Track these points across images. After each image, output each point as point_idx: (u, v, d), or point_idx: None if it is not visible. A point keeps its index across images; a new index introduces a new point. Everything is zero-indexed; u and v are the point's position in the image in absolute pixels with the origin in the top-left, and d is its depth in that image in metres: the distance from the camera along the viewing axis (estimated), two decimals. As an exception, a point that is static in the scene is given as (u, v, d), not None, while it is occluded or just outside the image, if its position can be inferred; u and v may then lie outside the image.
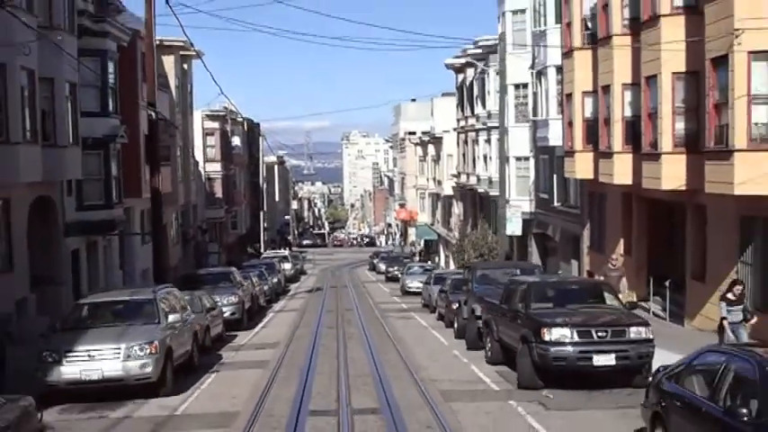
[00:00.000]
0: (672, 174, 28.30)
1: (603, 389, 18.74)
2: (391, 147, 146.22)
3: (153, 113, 33.52)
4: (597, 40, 35.45)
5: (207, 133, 74.68)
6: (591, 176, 36.95)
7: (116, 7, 42.45)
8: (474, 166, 63.49)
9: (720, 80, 24.73)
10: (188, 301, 25.67)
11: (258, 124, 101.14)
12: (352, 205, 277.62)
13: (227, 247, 77.30)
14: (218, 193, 75.73)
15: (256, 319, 38.51)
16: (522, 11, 49.21)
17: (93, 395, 19.23)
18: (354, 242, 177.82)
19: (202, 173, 71.52)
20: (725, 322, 20.55)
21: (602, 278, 29.84)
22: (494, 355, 23.34)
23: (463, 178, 68.49)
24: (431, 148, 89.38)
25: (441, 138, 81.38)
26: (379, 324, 36.10)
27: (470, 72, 63.37)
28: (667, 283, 30.64)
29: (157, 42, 35.16)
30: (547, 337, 19.19)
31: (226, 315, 32.52)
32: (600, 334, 19.23)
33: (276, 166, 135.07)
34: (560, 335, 19.20)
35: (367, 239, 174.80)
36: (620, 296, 26.74)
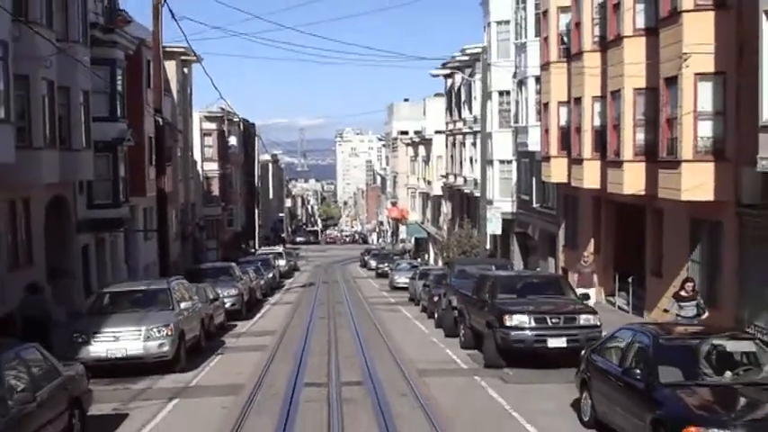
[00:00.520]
0: (632, 180, 31.48)
1: (556, 368, 21.89)
2: (384, 145, 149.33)
3: (160, 120, 36.90)
4: (571, 54, 38.79)
5: (205, 134, 77.95)
6: (565, 180, 40.14)
7: (124, 18, 45.62)
8: (461, 168, 66.87)
9: (672, 97, 27.90)
10: (195, 292, 28.94)
11: (254, 124, 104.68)
12: (345, 203, 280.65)
13: (223, 243, 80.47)
14: (216, 191, 79.03)
15: (254, 310, 41.79)
16: (507, 22, 52.31)
17: (115, 371, 22.44)
18: (347, 239, 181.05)
19: (200, 172, 74.74)
20: (677, 318, 23.38)
21: (575, 274, 33.15)
22: (466, 341, 26.66)
23: (451, 179, 71.90)
24: (421, 149, 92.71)
25: (430, 139, 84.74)
26: (367, 315, 39.43)
27: (458, 78, 66.73)
28: (630, 279, 33.96)
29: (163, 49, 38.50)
30: (508, 323, 22.55)
31: (227, 306, 35.71)
32: (554, 320, 22.59)
33: (270, 165, 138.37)
34: (519, 321, 22.56)
35: (359, 237, 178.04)
36: (591, 290, 30.19)
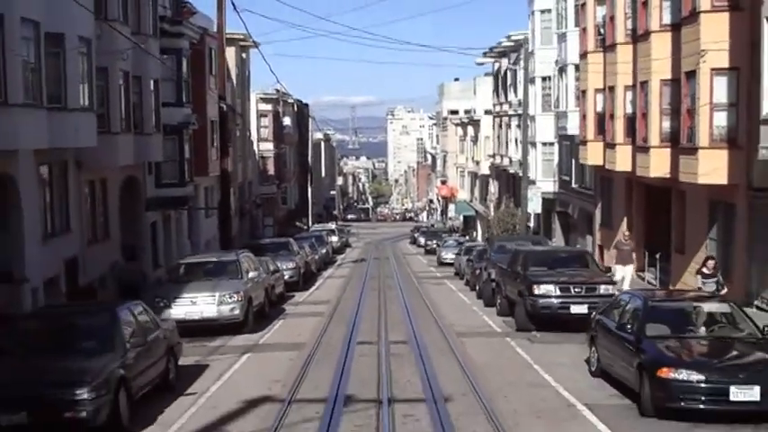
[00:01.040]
0: (658, 164, 34.53)
1: (577, 332, 24.95)
2: (434, 124, 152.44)
3: (224, 106, 40.57)
4: (606, 45, 41.79)
5: (261, 115, 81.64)
6: (600, 163, 43.14)
7: (189, 10, 49.24)
8: (507, 149, 70.05)
9: (691, 90, 30.94)
10: (258, 264, 32.50)
11: (307, 105, 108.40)
12: (396, 180, 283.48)
13: (277, 220, 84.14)
14: (271, 170, 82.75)
15: (309, 283, 45.37)
16: (549, 11, 55.39)
17: (193, 332, 25.93)
18: (397, 217, 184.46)
19: (256, 152, 78.44)
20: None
21: (614, 251, 36.21)
22: (502, 309, 30.01)
23: (498, 159, 75.11)
24: (470, 129, 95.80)
25: (479, 120, 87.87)
26: (414, 288, 42.88)
27: (504, 62, 69.80)
28: (657, 256, 37.05)
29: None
30: (536, 292, 25.90)
31: (286, 278, 39.23)
32: (576, 290, 25.88)
33: (322, 143, 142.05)
34: (546, 290, 25.89)
35: (409, 214, 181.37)
36: (629, 267, 33.35)
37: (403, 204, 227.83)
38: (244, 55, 67.79)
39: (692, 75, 30.65)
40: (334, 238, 76.18)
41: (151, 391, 17.21)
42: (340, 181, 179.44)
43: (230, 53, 61.87)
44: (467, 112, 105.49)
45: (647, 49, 35.23)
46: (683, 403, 15.05)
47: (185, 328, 25.25)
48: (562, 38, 50.99)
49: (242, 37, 60.64)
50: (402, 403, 16.85)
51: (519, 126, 64.82)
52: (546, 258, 29.43)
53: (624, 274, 33.00)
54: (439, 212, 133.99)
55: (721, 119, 29.80)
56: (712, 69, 29.52)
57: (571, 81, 49.59)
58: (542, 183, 56.41)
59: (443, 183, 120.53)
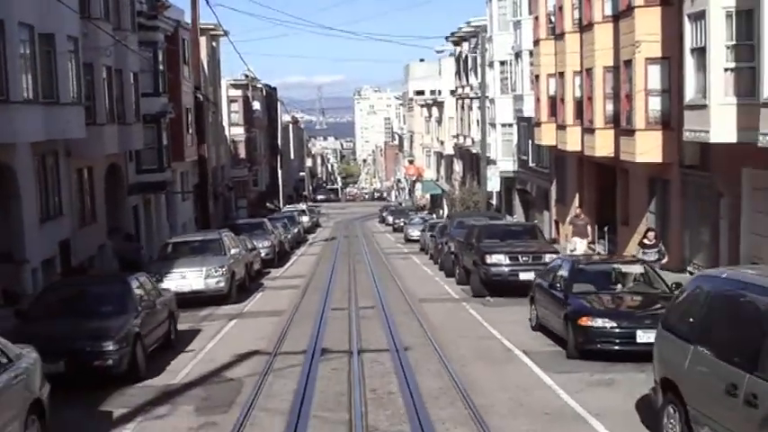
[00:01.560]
0: (603, 144, 38.00)
1: (525, 296, 28.26)
2: (401, 104, 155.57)
3: (200, 96, 43.76)
4: (556, 34, 45.21)
5: (231, 100, 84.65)
6: (554, 143, 46.64)
7: (163, 4, 52.20)
8: (469, 130, 73.51)
9: (629, 77, 34.42)
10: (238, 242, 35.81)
11: (275, 89, 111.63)
12: (365, 161, 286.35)
13: (249, 202, 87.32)
14: (242, 154, 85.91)
15: (284, 260, 48.65)
16: (506, -1, 58.87)
17: (183, 303, 29.17)
18: (366, 197, 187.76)
19: (227, 136, 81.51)
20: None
21: (570, 226, 39.70)
22: (460, 278, 33.50)
23: (461, 140, 78.63)
24: (435, 111, 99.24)
25: (442, 102, 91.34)
26: (382, 262, 46.37)
27: (465, 46, 73.21)
28: (606, 229, 40.64)
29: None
30: (488, 261, 29.41)
31: (262, 255, 42.49)
32: (524, 259, 29.40)
33: (291, 126, 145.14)
34: (497, 259, 29.41)
35: (378, 194, 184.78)
36: (584, 240, 36.87)
37: (372, 184, 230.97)
38: (214, 44, 70.85)
39: (629, 63, 34.05)
40: (305, 219, 79.39)
41: (157, 349, 20.49)
42: (309, 162, 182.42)
43: (201, 42, 64.59)
44: (432, 92, 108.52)
45: (591, 38, 38.65)
46: (599, 345, 18.52)
47: (177, 300, 28.62)
48: (517, 25, 54.46)
49: (212, 27, 63.64)
50: (370, 353, 20.29)
51: (480, 108, 68.36)
52: (498, 232, 33.02)
53: (578, 246, 36.48)
54: (407, 192, 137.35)
55: (655, 103, 33.21)
56: (646, 59, 32.92)
57: (526, 66, 53.03)
58: (502, 162, 59.92)
59: (410, 162, 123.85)
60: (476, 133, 70.17)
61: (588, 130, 39.64)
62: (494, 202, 64.02)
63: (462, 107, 77.98)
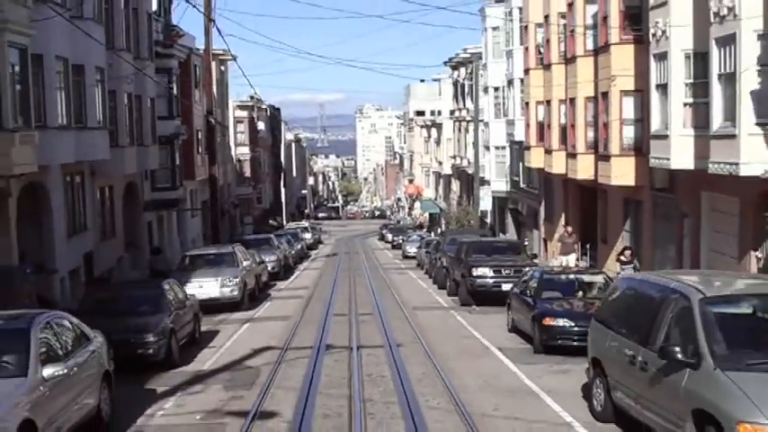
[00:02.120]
0: (584, 168, 41.65)
1: (508, 304, 32.17)
2: (402, 124, 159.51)
3: (212, 120, 47.51)
4: (544, 64, 48.96)
5: (237, 121, 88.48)
6: (542, 166, 50.36)
7: (177, 33, 55.97)
8: (466, 151, 77.28)
9: (606, 107, 38.14)
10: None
11: (279, 109, 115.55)
12: (365, 179, 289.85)
13: (254, 219, 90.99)
14: (247, 172, 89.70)
15: (288, 274, 52.36)
16: (499, 28, 62.64)
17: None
18: (366, 215, 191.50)
19: (233, 156, 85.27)
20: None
21: (559, 244, 43.29)
22: (450, 289, 37.19)
23: (458, 160, 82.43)
24: (433, 132, 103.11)
25: (441, 124, 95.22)
26: (380, 276, 50.10)
27: (462, 71, 77.10)
28: (587, 246, 44.29)
29: (203, 52, 49.04)
30: (474, 273, 33.13)
31: (269, 268, 46.13)
32: (506, 272, 33.09)
33: (293, 144, 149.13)
34: (482, 272, 33.14)
35: (378, 212, 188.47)
36: (572, 256, 40.43)
37: (372, 202, 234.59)
38: (223, 68, 74.67)
39: (606, 95, 37.77)
40: (308, 235, 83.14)
41: (185, 345, 24.14)
42: (311, 181, 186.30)
43: (212, 67, 68.66)
44: (432, 113, 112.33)
45: (574, 70, 42.40)
46: (560, 341, 22.17)
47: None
48: (509, 54, 58.30)
49: (222, 52, 67.31)
50: (367, 348, 23.97)
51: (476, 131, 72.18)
52: (484, 247, 36.78)
53: (566, 261, 40.03)
54: (406, 210, 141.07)
55: (629, 132, 36.84)
56: (621, 91, 36.60)
57: (517, 93, 56.85)
58: (496, 183, 63.70)
59: (410, 181, 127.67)
60: (472, 155, 73.88)
61: (571, 155, 43.32)
62: (488, 220, 67.84)
63: (459, 129, 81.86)
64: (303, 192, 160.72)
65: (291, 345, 24.96)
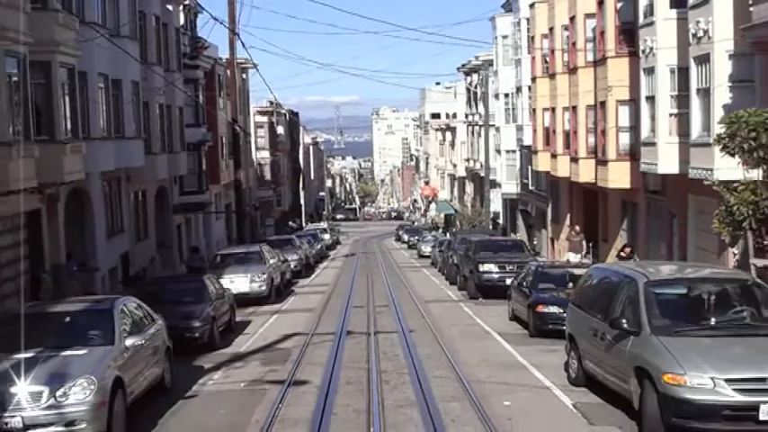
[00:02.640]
0: (585, 172, 45.05)
1: (512, 297, 35.63)
2: (417, 126, 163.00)
3: (237, 128, 51.13)
4: (549, 73, 52.41)
5: (258, 126, 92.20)
6: (548, 169, 53.76)
7: (202, 45, 59.68)
8: (479, 155, 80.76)
9: (604, 115, 41.55)
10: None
11: (297, 114, 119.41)
12: (382, 181, 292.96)
13: (274, 221, 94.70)
14: (267, 176, 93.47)
15: (309, 272, 56.06)
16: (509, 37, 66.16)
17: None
18: (383, 216, 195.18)
19: (254, 159, 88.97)
20: None
21: (567, 242, 46.65)
22: (460, 284, 40.77)
23: (471, 163, 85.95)
24: (448, 135, 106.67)
25: (455, 127, 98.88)
26: (396, 274, 53.73)
27: (475, 77, 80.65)
28: (590, 244, 47.71)
29: (225, 61, 52.60)
30: (481, 269, 36.69)
31: (292, 267, 49.73)
32: (510, 267, 36.54)
33: (311, 147, 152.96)
34: (489, 268, 36.69)
35: (395, 214, 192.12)
36: (579, 254, 43.72)
37: (389, 204, 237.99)
38: (244, 76, 78.39)
39: (604, 104, 41.21)
40: (327, 236, 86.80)
41: (223, 332, 27.74)
42: (329, 183, 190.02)
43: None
44: (448, 116, 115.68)
45: (576, 80, 45.85)
46: (551, 326, 25.66)
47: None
48: (518, 63, 61.82)
49: (243, 60, 70.98)
50: (383, 333, 27.59)
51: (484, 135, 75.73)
52: (491, 246, 40.36)
53: (572, 259, 43.34)
54: (423, 211, 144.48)
55: (625, 138, 40.15)
56: (617, 101, 39.95)
57: (525, 99, 60.28)
58: (507, 185, 67.20)
59: (426, 183, 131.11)
60: (484, 158, 77.40)
61: (574, 159, 46.75)
62: (500, 221, 71.43)
63: (472, 133, 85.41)
64: (321, 194, 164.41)
65: (316, 331, 28.55)
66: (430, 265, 59.75)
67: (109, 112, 38.29)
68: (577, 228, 46.23)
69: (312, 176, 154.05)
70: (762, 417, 13.82)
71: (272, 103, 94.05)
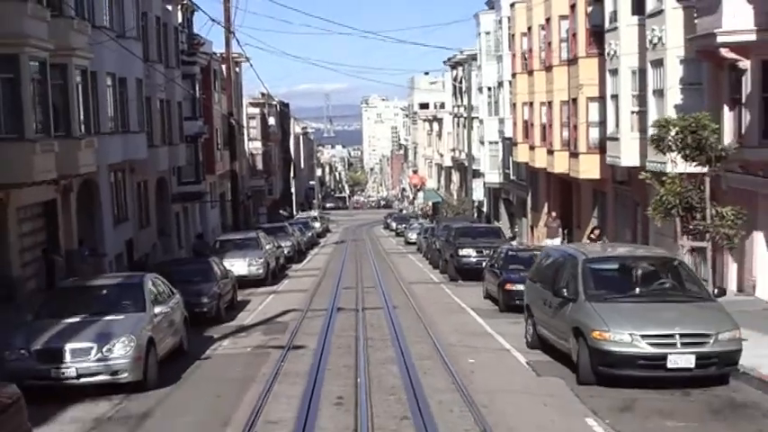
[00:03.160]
0: (560, 163, 48.71)
1: (488, 279, 39.25)
2: (406, 116, 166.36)
3: (234, 122, 54.69)
4: (528, 70, 56.02)
5: (250, 117, 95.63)
6: (527, 160, 57.41)
7: (199, 42, 63.21)
8: (464, 145, 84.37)
9: (575, 111, 45.18)
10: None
11: (288, 105, 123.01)
12: (372, 169, 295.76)
13: (267, 209, 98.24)
14: (259, 165, 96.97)
15: (301, 258, 59.73)
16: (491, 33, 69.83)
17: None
18: (372, 205, 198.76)
19: (247, 150, 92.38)
20: None
21: (545, 228, 50.25)
22: (442, 267, 44.49)
23: (457, 153, 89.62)
24: (435, 125, 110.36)
25: (442, 118, 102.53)
26: (383, 259, 57.50)
27: (460, 70, 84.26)
28: (565, 231, 51.36)
29: (219, 56, 55.99)
30: (460, 253, 40.38)
31: (285, 252, 53.33)
32: (486, 252, 40.13)
33: (301, 137, 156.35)
34: (467, 252, 40.40)
35: (384, 202, 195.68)
36: (556, 239, 47.23)
37: (378, 192, 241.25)
38: (237, 69, 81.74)
39: (575, 100, 44.86)
40: (317, 224, 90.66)
41: (227, 308, 31.38)
42: (318, 172, 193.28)
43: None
44: (436, 106, 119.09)
45: (551, 77, 49.51)
46: (517, 302, 29.06)
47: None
48: (499, 58, 65.43)
49: (237, 55, 74.32)
50: (370, 309, 31.29)
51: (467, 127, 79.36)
52: (470, 232, 44.07)
53: (551, 243, 46.91)
54: (411, 199, 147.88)
55: (595, 132, 43.75)
56: (587, 98, 43.59)
57: (506, 93, 63.89)
58: (490, 175, 70.86)
59: (414, 172, 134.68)
60: (468, 148, 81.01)
61: (550, 152, 50.40)
62: (484, 209, 75.17)
63: (458, 124, 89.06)
64: (311, 183, 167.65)
65: (310, 308, 32.20)
66: (416, 251, 63.32)
67: (116, 108, 41.80)
68: (554, 214, 49.67)
69: (302, 166, 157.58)
70: (669, 365, 17.54)
71: (263, 94, 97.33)
